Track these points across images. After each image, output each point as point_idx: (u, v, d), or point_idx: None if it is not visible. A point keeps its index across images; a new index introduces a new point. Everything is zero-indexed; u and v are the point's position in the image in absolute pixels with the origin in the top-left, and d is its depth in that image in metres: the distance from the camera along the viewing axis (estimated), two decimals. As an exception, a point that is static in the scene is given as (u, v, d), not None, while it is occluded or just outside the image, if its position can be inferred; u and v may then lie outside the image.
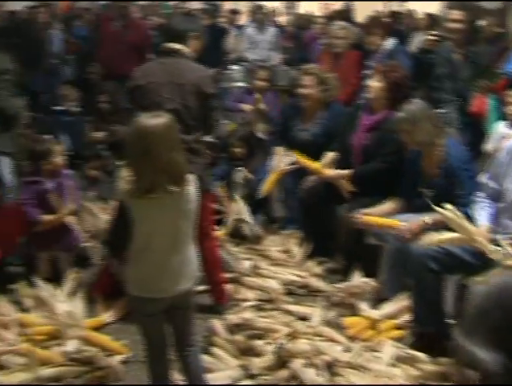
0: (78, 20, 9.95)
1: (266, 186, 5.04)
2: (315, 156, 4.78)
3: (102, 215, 5.28)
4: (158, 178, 2.63)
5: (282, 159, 4.98)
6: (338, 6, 10.44)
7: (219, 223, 4.92)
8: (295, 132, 5.11)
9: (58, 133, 6.36)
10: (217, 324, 3.76)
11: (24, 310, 3.93)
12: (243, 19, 10.85)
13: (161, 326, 2.86)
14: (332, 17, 8.48)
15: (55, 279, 4.24)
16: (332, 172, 4.67)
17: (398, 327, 3.76)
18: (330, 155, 4.77)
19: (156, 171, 2.62)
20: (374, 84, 4.55)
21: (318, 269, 4.61)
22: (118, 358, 3.49)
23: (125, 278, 2.83)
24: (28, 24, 7.04)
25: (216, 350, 3.55)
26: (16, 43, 4.95)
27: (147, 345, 2.89)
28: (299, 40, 9.66)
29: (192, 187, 2.78)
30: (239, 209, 5.23)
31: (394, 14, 10.33)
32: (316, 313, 3.91)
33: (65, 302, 3.87)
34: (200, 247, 3.00)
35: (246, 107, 6.32)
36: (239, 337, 3.62)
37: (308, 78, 5.04)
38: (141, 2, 10.79)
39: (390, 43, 5.99)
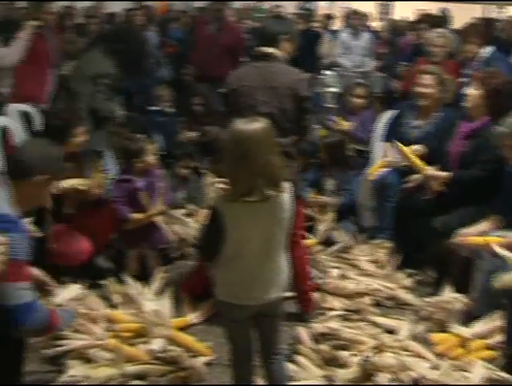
0: (174, 22, 10.13)
1: (373, 170, 5.20)
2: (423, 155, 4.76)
3: (190, 219, 5.33)
4: (255, 181, 2.62)
5: (389, 154, 5.07)
6: (434, 11, 10.21)
7: (309, 230, 4.88)
8: (407, 129, 5.04)
9: (152, 133, 6.48)
10: (303, 332, 3.72)
11: (112, 306, 3.99)
12: (337, 24, 10.79)
13: (247, 332, 2.85)
14: (421, 20, 8.29)
15: (144, 277, 4.30)
16: (431, 171, 4.56)
17: (490, 347, 3.60)
18: (417, 148, 4.74)
19: (253, 175, 2.61)
20: (472, 91, 4.45)
21: (407, 281, 4.52)
22: (202, 359, 3.50)
23: (214, 282, 2.82)
24: (127, 28, 7.17)
25: (300, 358, 3.51)
26: (117, 47, 4.98)
27: (232, 349, 2.89)
28: (394, 46, 9.50)
29: (287, 195, 2.75)
30: (329, 217, 5.17)
31: (491, 21, 10.01)
32: (404, 326, 3.81)
33: (153, 301, 3.91)
34: (290, 254, 2.96)
35: (333, 125, 6.24)
36: (324, 346, 3.56)
37: (428, 77, 4.96)
38: (236, 4, 10.89)
39: (487, 50, 5.83)
